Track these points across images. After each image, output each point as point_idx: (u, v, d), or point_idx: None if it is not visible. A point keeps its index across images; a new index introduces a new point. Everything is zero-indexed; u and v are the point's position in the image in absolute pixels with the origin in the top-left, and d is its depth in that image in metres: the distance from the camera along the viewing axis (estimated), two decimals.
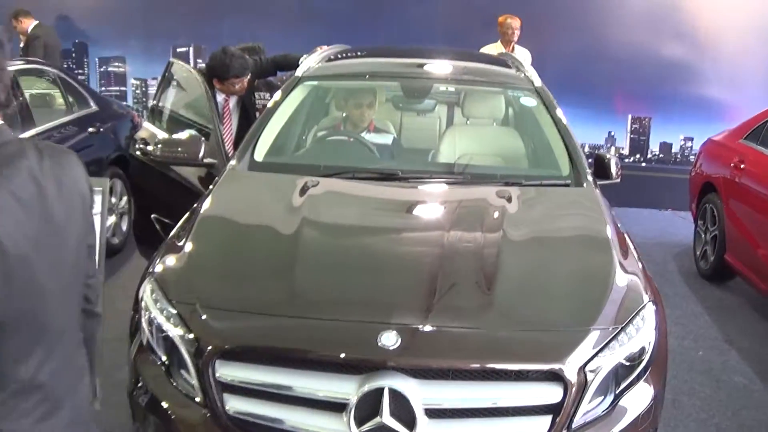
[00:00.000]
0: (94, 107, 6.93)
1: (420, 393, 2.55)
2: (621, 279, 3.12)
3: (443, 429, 2.59)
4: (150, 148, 4.89)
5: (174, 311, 2.86)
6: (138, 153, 5.31)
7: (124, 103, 9.95)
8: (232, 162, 4.20)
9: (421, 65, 5.33)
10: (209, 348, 2.69)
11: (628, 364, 2.81)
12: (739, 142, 6.64)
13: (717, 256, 6.53)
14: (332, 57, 5.30)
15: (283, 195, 3.77)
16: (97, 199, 3.62)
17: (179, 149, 4.37)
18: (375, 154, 4.54)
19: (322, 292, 3.03)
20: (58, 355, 1.63)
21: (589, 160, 4.44)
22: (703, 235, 6.94)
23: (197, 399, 2.73)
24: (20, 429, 1.55)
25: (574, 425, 2.67)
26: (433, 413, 2.58)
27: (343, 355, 2.64)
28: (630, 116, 10.09)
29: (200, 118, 5.19)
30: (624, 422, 2.78)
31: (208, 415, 2.70)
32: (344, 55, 5.47)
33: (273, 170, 4.17)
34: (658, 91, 9.81)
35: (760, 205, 5.81)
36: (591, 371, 2.67)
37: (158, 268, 3.16)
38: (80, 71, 10.40)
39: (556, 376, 2.64)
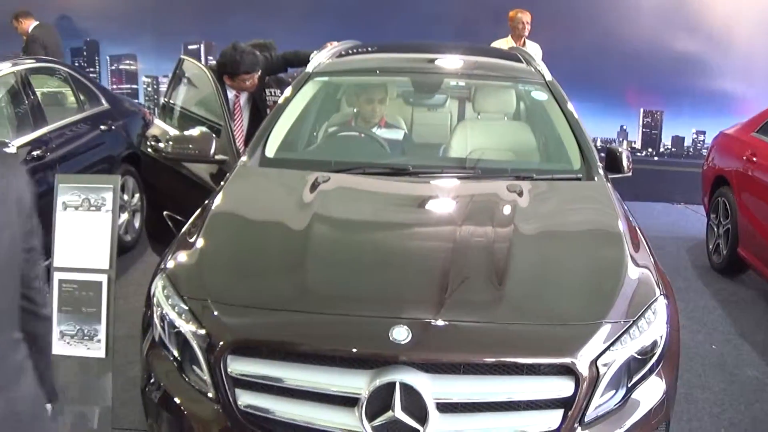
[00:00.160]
0: (105, 105, 6.94)
1: (431, 387, 2.56)
2: (633, 272, 3.11)
3: (455, 423, 2.60)
4: (161, 145, 4.91)
5: (186, 307, 2.88)
6: (149, 150, 5.33)
7: (136, 100, 9.97)
8: (243, 158, 4.20)
9: (432, 60, 5.33)
10: (221, 343, 2.70)
11: (640, 357, 2.80)
12: (752, 135, 6.60)
13: (730, 249, 6.50)
14: (342, 53, 5.30)
15: (294, 191, 3.77)
16: (108, 197, 3.67)
17: (190, 146, 4.37)
18: (386, 149, 4.54)
19: (334, 287, 3.04)
20: None
21: (602, 154, 4.43)
22: (715, 229, 6.92)
23: (209, 394, 2.74)
24: None
25: (586, 419, 2.67)
26: (445, 407, 2.58)
27: (354, 350, 2.65)
28: (642, 110, 10.05)
29: (211, 114, 5.21)
30: (636, 416, 2.78)
31: (220, 410, 2.71)
32: (354, 50, 5.47)
33: (284, 166, 4.17)
34: (670, 85, 9.76)
35: None
36: (603, 365, 2.67)
37: (170, 264, 3.17)
38: (91, 69, 10.43)
39: (568, 370, 2.64)
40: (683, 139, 10.07)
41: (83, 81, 6.92)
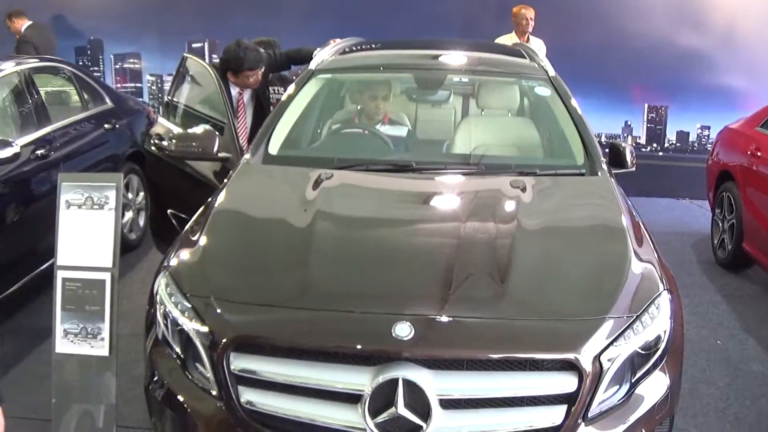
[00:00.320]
0: (109, 104, 6.95)
1: (434, 383, 2.55)
2: (636, 268, 3.10)
3: (458, 419, 2.59)
4: (165, 143, 4.91)
5: (188, 305, 2.88)
6: (153, 148, 5.33)
7: (140, 99, 9.98)
8: (247, 156, 4.21)
9: (436, 57, 5.33)
10: (224, 341, 2.70)
11: (643, 352, 2.79)
12: (756, 129, 6.59)
13: (735, 244, 6.49)
14: (346, 50, 5.30)
15: (297, 188, 3.77)
16: (111, 195, 3.67)
17: (194, 144, 4.37)
18: (390, 146, 4.54)
19: (337, 283, 3.03)
20: None
21: (605, 150, 4.42)
22: (720, 224, 6.90)
23: (212, 392, 2.74)
24: None
25: (589, 414, 2.66)
26: (448, 404, 2.58)
27: (357, 347, 2.64)
28: (646, 105, 10.04)
29: (215, 112, 5.21)
30: (640, 411, 2.77)
31: (224, 407, 2.71)
32: (358, 47, 5.47)
33: (287, 163, 4.17)
34: (674, 80, 9.75)
35: None
36: (607, 360, 2.66)
37: (173, 261, 3.18)
38: (96, 68, 10.45)
39: (571, 366, 2.63)
40: (688, 134, 10.06)
41: (87, 80, 6.93)
